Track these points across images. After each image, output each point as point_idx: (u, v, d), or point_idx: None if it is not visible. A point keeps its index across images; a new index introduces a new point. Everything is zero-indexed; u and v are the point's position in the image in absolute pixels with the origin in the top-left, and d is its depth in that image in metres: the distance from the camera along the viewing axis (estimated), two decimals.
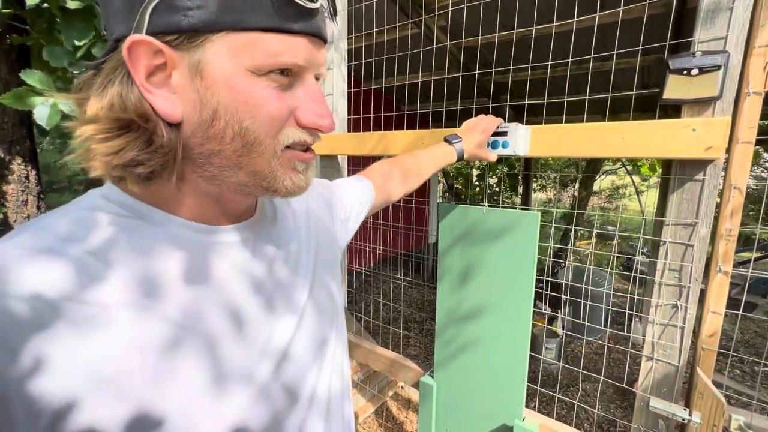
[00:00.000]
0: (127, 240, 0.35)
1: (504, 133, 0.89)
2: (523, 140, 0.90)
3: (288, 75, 0.35)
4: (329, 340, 0.50)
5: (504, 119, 0.93)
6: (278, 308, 0.44)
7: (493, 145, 0.91)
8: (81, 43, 0.70)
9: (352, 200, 0.68)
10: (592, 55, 0.99)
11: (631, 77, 2.68)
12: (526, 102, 1.16)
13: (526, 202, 4.59)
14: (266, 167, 0.36)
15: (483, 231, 1.00)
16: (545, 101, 1.03)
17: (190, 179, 0.37)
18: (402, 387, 2.58)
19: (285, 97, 0.35)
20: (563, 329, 3.09)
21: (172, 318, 0.34)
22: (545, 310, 3.39)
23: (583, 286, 1.25)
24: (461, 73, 1.37)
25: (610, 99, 0.98)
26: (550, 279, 1.34)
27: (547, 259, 2.98)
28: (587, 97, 1.06)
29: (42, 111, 0.71)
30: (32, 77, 0.70)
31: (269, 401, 0.40)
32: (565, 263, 3.73)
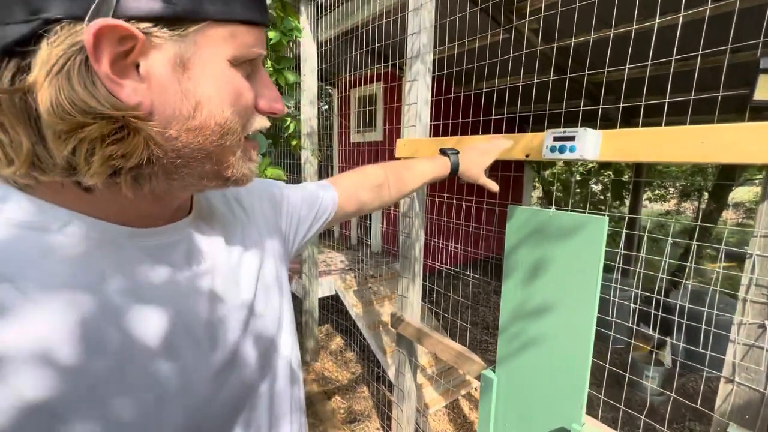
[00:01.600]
0: (43, 261, 0.30)
1: (571, 138, 0.91)
2: (592, 145, 0.90)
3: (250, 64, 0.36)
4: (278, 344, 0.49)
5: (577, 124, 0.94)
6: (221, 321, 0.41)
7: (560, 150, 0.94)
8: None
9: (305, 205, 0.64)
10: (701, 51, 0.94)
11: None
12: (621, 104, 1.13)
13: (634, 213, 4.10)
14: (231, 156, 0.36)
15: (549, 233, 1.02)
16: (643, 103, 0.99)
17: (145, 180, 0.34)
18: (475, 389, 2.58)
19: (251, 85, 0.36)
20: (670, 358, 2.72)
21: (90, 372, 0.30)
22: (652, 334, 3.02)
23: (705, 309, 1.15)
24: (551, 77, 1.37)
25: (721, 98, 0.92)
26: (661, 298, 1.24)
27: (659, 276, 2.66)
28: (692, 97, 0.98)
29: None
30: None
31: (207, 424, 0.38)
32: (681, 284, 3.25)
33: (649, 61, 1.07)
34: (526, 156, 1.07)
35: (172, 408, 0.34)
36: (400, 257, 1.63)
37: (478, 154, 0.93)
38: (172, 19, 0.29)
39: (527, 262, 1.08)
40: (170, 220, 0.40)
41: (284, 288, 0.54)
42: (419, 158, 0.87)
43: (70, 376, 0.29)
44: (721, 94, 0.95)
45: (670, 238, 1.19)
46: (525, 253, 1.08)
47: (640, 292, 1.29)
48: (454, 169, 0.89)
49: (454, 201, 1.91)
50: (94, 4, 0.26)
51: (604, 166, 4.65)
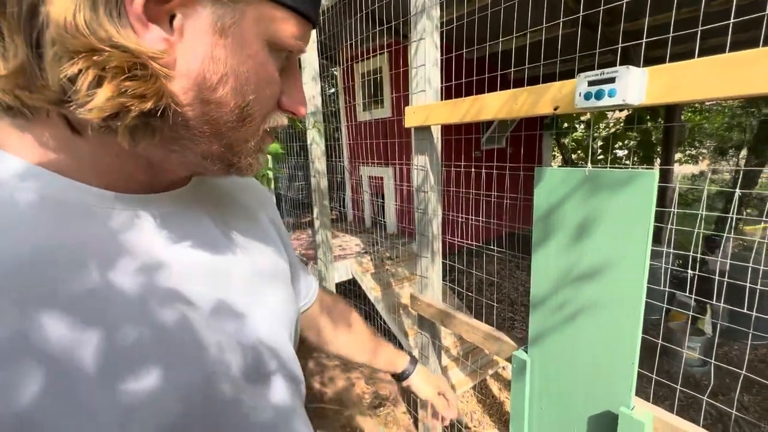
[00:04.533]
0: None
1: (611, 80, 0.77)
2: (637, 86, 0.76)
3: (287, 57, 0.34)
4: (291, 316, 0.45)
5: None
6: (226, 303, 0.38)
7: (597, 96, 0.80)
8: None
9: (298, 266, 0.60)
10: None
11: None
12: (670, 51, 0.97)
13: (664, 177, 3.85)
14: (243, 144, 0.34)
15: (586, 194, 0.89)
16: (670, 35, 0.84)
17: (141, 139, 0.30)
18: (503, 368, 2.50)
19: (280, 79, 0.34)
20: (713, 328, 2.55)
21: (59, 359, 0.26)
22: (690, 300, 2.84)
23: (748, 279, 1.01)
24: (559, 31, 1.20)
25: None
26: (697, 272, 1.12)
27: (692, 247, 2.48)
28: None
29: None
30: None
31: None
32: (719, 246, 3.04)
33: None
34: (555, 109, 0.94)
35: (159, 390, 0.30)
36: (417, 235, 1.53)
37: (433, 382, 0.84)
38: None
39: (562, 228, 0.95)
40: (161, 190, 0.36)
41: (285, 280, 0.48)
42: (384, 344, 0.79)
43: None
44: None
45: (705, 194, 1.05)
46: (559, 219, 0.96)
47: (671, 255, 1.16)
48: (405, 372, 0.80)
49: (473, 170, 1.78)
50: None
51: (630, 122, 4.35)
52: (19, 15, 0.25)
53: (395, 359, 0.79)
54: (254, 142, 0.34)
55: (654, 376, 1.06)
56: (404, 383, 0.81)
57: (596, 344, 0.92)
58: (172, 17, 0.27)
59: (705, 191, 1.35)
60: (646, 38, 0.95)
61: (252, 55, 0.30)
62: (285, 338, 0.44)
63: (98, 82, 0.25)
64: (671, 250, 1.21)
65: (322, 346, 0.71)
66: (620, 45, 1.11)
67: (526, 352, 1.10)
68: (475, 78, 1.39)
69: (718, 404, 1.15)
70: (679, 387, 1.11)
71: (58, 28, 0.24)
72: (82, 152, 0.30)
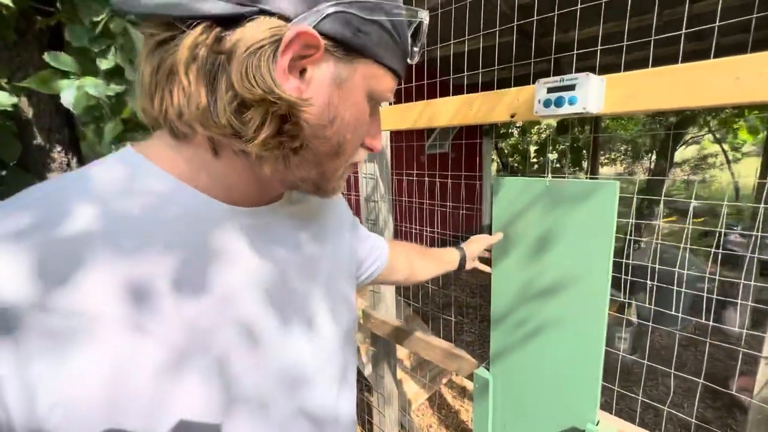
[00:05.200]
0: (133, 227, 0.32)
1: (571, 87, 0.74)
2: (596, 94, 0.73)
3: (376, 104, 0.40)
4: (348, 359, 0.49)
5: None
6: (294, 316, 0.42)
7: (557, 103, 0.76)
8: (98, 19, 0.67)
9: (369, 243, 0.70)
10: None
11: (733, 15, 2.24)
12: (598, 61, 0.97)
13: (594, 176, 4.18)
14: (334, 172, 0.40)
15: (547, 206, 0.85)
16: (625, 43, 0.84)
17: (246, 157, 0.36)
18: (455, 374, 2.48)
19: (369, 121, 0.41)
20: (637, 317, 2.78)
21: (171, 339, 0.31)
22: (619, 296, 3.07)
23: (650, 265, 1.05)
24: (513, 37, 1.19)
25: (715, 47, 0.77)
26: (624, 261, 1.16)
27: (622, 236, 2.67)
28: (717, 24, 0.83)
29: (68, 95, 0.70)
30: (56, 60, 0.69)
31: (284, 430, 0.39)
32: (639, 244, 3.34)
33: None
34: (512, 116, 0.89)
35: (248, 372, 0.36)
36: None
37: (477, 243, 0.99)
38: (350, 47, 0.34)
39: (523, 240, 0.91)
40: (264, 203, 0.42)
41: (352, 305, 0.54)
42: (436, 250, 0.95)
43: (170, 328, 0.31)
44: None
45: (635, 196, 1.11)
46: (520, 231, 0.92)
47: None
48: (462, 262, 0.95)
49: (422, 178, 1.72)
50: (305, 14, 0.31)
51: (561, 132, 4.69)
52: (206, 67, 0.31)
53: (452, 256, 0.95)
54: (341, 171, 0.41)
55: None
56: (467, 267, 0.97)
57: (560, 360, 0.89)
58: (303, 71, 0.34)
59: (635, 194, 1.41)
60: (576, 50, 0.94)
61: (356, 103, 0.37)
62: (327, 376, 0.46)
63: (262, 123, 0.32)
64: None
65: (410, 280, 0.87)
66: (553, 55, 1.10)
67: (488, 370, 1.05)
68: (426, 82, 1.33)
69: (657, 405, 1.19)
70: (616, 388, 1.12)
71: (240, 82, 0.31)
72: (216, 172, 0.37)
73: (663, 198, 1.14)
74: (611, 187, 0.76)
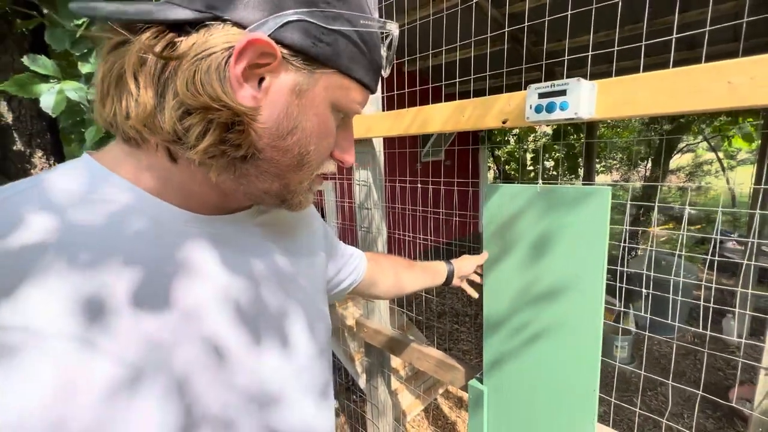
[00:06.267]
0: (89, 237, 0.30)
1: (562, 92, 0.73)
2: (587, 99, 0.72)
3: (343, 117, 0.39)
4: (326, 375, 0.48)
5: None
6: (266, 332, 0.40)
7: (549, 108, 0.75)
8: (79, 22, 0.66)
9: (343, 255, 0.68)
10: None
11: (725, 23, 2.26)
12: (589, 69, 0.97)
13: (589, 183, 4.19)
14: (299, 184, 0.39)
15: (539, 212, 0.84)
16: (615, 49, 0.84)
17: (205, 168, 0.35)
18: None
19: (336, 133, 0.39)
20: (635, 326, 2.75)
21: (125, 356, 0.29)
22: (617, 305, 3.06)
23: (647, 273, 1.04)
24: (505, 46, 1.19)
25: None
26: (619, 268, 1.14)
27: (617, 244, 2.66)
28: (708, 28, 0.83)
29: (48, 98, 0.68)
30: (35, 63, 0.67)
31: None
32: (635, 251, 3.33)
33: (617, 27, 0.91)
34: (503, 122, 0.88)
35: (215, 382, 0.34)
36: None
37: (467, 262, 0.98)
38: (310, 56, 0.33)
39: (514, 248, 0.90)
40: (228, 212, 0.41)
41: (328, 319, 0.52)
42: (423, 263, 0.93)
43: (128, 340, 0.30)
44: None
45: (628, 202, 1.11)
46: (512, 238, 0.90)
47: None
48: (449, 276, 0.94)
49: (415, 185, 1.71)
50: (260, 22, 0.31)
51: (556, 139, 4.70)
52: (155, 73, 0.31)
53: (440, 269, 0.93)
54: (307, 183, 0.40)
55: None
56: (453, 283, 0.96)
57: (556, 370, 0.87)
58: (261, 79, 0.33)
59: (629, 201, 1.40)
60: (568, 57, 0.94)
61: (318, 114, 0.36)
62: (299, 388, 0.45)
63: (205, 131, 0.32)
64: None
65: (397, 292, 0.86)
66: (544, 61, 1.10)
67: (482, 382, 1.02)
68: (418, 88, 1.33)
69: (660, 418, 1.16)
70: (613, 399, 1.10)
71: (184, 89, 0.30)
72: (175, 179, 0.36)
73: (657, 204, 1.13)
74: (603, 193, 0.74)
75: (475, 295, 0.99)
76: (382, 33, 0.39)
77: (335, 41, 0.33)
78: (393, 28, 0.39)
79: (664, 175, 4.07)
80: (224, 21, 0.30)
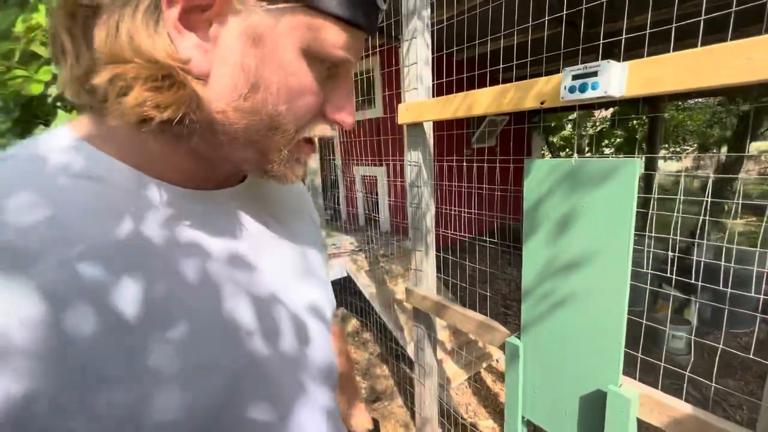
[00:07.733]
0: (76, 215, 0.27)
1: (593, 73, 0.82)
2: (617, 79, 0.81)
3: (330, 68, 0.32)
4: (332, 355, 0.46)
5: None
6: (276, 313, 0.39)
7: (582, 89, 0.84)
8: None
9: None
10: None
11: None
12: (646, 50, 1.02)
13: (650, 170, 3.96)
14: (277, 153, 0.33)
15: (574, 184, 0.93)
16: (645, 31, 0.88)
17: (186, 140, 0.31)
18: (497, 361, 2.54)
19: (322, 89, 0.33)
20: (696, 317, 2.63)
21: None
22: (674, 293, 2.93)
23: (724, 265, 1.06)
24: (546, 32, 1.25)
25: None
26: (677, 255, 1.17)
27: (671, 238, 2.55)
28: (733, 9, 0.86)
29: None
30: None
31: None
32: (701, 241, 3.13)
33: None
34: (541, 103, 0.98)
35: (212, 367, 0.31)
36: (410, 229, 1.56)
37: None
38: None
39: (551, 217, 1.00)
40: (220, 186, 0.38)
41: (328, 287, 0.50)
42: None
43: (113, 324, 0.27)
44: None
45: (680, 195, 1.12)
46: (547, 209, 1.00)
47: (653, 250, 1.21)
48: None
49: (464, 165, 1.81)
50: None
51: (614, 125, 4.47)
52: (80, 26, 0.28)
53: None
54: (287, 151, 0.34)
55: (639, 354, 1.11)
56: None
57: (584, 328, 0.96)
58: (209, 25, 0.28)
59: (689, 182, 1.41)
60: (625, 38, 1.00)
61: (284, 64, 0.29)
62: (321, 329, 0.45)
63: (126, 91, 0.27)
64: (651, 247, 1.26)
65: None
66: (601, 42, 1.16)
67: (519, 339, 1.14)
68: (465, 75, 1.43)
69: (698, 378, 1.19)
70: (662, 363, 1.16)
71: (99, 41, 0.26)
72: (153, 150, 0.32)
73: (737, 201, 1.14)
74: (632, 165, 0.82)
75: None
76: None
77: None
78: None
79: (740, 162, 3.74)
80: None
